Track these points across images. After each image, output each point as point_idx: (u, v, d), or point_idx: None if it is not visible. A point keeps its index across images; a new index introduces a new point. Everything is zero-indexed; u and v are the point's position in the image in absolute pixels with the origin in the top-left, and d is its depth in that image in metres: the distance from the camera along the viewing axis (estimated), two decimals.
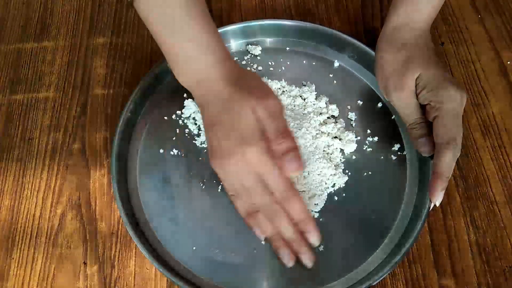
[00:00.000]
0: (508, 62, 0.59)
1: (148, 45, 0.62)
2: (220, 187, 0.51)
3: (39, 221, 0.50)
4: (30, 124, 0.56)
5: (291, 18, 0.64)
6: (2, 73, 0.60)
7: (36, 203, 0.51)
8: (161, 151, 0.53)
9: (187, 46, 0.44)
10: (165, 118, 0.55)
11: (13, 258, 0.48)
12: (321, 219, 0.49)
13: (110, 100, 0.58)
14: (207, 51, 0.44)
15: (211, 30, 0.44)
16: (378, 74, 0.52)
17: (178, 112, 0.55)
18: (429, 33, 0.51)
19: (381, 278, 0.45)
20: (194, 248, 0.48)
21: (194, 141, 0.54)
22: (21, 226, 0.50)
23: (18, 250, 0.49)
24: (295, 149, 0.42)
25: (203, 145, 0.53)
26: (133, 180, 0.51)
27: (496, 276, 0.47)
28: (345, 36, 0.58)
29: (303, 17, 0.64)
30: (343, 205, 0.50)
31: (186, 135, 0.54)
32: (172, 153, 0.53)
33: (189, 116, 0.55)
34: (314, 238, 0.43)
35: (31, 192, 0.52)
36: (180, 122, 0.55)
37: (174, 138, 0.54)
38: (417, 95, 0.48)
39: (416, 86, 0.48)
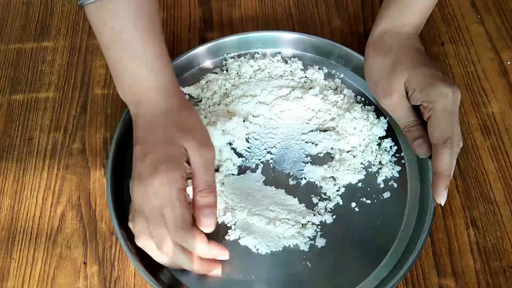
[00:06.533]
0: (508, 62, 0.59)
1: None
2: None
3: (39, 221, 0.50)
4: (30, 124, 0.56)
5: (291, 18, 0.64)
6: (2, 73, 0.60)
7: (36, 203, 0.51)
8: None
9: (133, 65, 0.43)
10: None
11: (13, 258, 0.48)
12: (325, 227, 0.48)
13: (110, 100, 0.58)
14: (153, 74, 0.43)
15: (160, 53, 0.44)
16: (368, 80, 0.52)
17: None
18: (417, 36, 0.51)
19: (395, 285, 0.44)
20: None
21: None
22: (21, 226, 0.50)
23: (18, 250, 0.49)
24: (214, 207, 0.43)
25: None
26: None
27: (496, 276, 0.47)
28: (332, 42, 0.58)
29: (303, 16, 0.64)
30: (346, 213, 0.49)
31: None
32: None
33: None
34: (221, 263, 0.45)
35: (31, 192, 0.52)
36: None
37: None
38: (408, 98, 0.48)
39: (406, 89, 0.47)
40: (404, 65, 0.48)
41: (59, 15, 0.65)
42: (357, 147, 0.52)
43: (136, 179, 0.42)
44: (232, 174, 0.51)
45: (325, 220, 0.48)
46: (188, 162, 0.43)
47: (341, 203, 0.49)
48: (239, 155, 0.52)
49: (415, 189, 0.50)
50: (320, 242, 0.47)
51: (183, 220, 0.41)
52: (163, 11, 0.65)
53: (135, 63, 0.43)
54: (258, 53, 0.60)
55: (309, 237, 0.47)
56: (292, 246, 0.47)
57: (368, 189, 0.50)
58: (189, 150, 0.42)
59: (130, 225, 0.44)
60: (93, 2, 0.41)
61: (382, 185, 0.50)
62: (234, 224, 0.48)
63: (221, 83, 0.57)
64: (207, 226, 0.42)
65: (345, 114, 0.53)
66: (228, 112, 0.54)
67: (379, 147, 0.52)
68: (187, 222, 0.41)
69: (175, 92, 0.45)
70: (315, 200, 0.50)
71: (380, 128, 0.52)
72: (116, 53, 0.43)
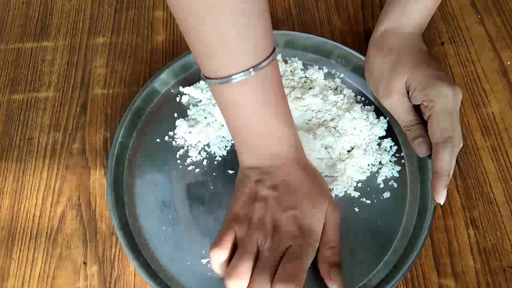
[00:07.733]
0: (508, 62, 0.59)
1: (148, 45, 0.62)
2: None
3: (39, 221, 0.50)
4: (30, 124, 0.56)
5: (291, 18, 0.64)
6: (2, 73, 0.60)
7: (36, 203, 0.51)
8: (157, 175, 0.51)
9: (273, 122, 0.43)
10: (158, 140, 0.53)
11: (13, 258, 0.48)
12: None
13: (110, 100, 0.58)
14: (290, 130, 0.44)
15: (289, 110, 0.44)
16: (368, 79, 0.52)
17: (170, 133, 0.54)
18: (420, 36, 0.51)
19: (395, 285, 0.44)
20: (196, 268, 0.46)
21: (187, 162, 0.52)
22: (21, 226, 0.50)
23: (18, 250, 0.49)
24: (339, 265, 0.44)
25: (197, 168, 0.52)
26: (132, 209, 0.50)
27: (496, 276, 0.47)
28: (332, 42, 0.58)
29: (303, 16, 0.64)
30: (346, 213, 0.48)
31: (182, 155, 0.52)
32: (168, 175, 0.51)
33: (182, 137, 0.53)
34: None
35: (31, 192, 0.52)
36: (174, 143, 0.53)
37: (168, 161, 0.52)
38: (409, 97, 0.48)
39: (407, 88, 0.47)
40: (405, 64, 0.48)
41: (59, 15, 0.65)
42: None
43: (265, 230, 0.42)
44: None
45: None
46: None
47: (341, 203, 0.49)
48: None
49: (415, 189, 0.50)
50: None
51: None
52: (162, 11, 0.65)
53: (279, 121, 0.43)
54: None
55: None
56: None
57: (368, 189, 0.50)
58: (327, 209, 0.44)
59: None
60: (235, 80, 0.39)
61: (382, 185, 0.50)
62: None
63: None
64: (338, 282, 0.43)
65: (345, 114, 0.52)
66: None
67: (379, 147, 0.52)
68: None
69: (302, 148, 0.46)
70: None
71: (380, 128, 0.52)
72: (261, 116, 0.42)
